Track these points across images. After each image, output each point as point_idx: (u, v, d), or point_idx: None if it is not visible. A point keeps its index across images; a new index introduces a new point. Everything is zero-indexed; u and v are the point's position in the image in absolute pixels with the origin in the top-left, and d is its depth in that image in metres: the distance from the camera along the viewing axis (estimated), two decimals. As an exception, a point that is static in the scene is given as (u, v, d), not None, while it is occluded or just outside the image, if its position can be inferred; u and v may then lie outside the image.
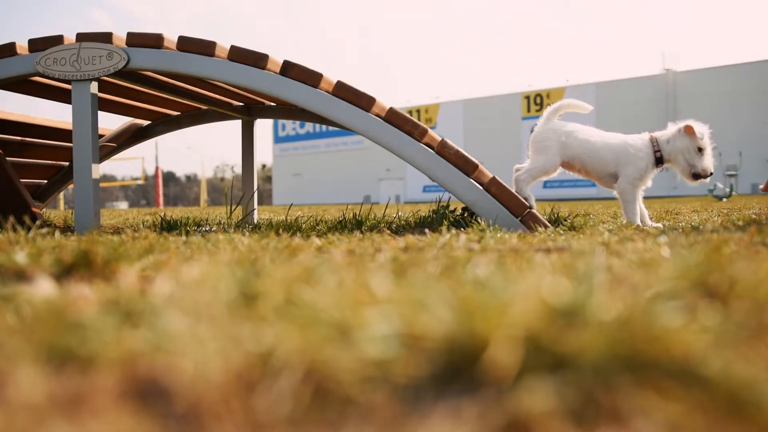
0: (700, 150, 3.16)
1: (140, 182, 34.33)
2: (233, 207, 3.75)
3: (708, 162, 3.17)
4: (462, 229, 2.77)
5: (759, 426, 0.50)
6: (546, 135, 3.29)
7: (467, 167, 2.97)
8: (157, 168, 30.16)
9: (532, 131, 3.44)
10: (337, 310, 0.70)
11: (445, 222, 3.08)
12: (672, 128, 3.27)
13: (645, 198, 3.38)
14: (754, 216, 3.44)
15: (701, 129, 3.17)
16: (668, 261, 1.16)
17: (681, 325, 0.62)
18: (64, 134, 4.19)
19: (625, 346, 0.58)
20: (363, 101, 3.01)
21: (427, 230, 2.70)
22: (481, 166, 3.05)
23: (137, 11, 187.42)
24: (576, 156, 3.27)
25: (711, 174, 3.18)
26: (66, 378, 0.59)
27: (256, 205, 4.44)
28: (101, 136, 4.52)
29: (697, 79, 37.75)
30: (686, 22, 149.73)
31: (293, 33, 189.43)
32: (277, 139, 54.75)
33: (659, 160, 3.22)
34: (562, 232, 2.54)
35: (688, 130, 3.15)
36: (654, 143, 3.24)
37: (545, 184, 38.26)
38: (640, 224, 3.12)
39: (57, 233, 2.11)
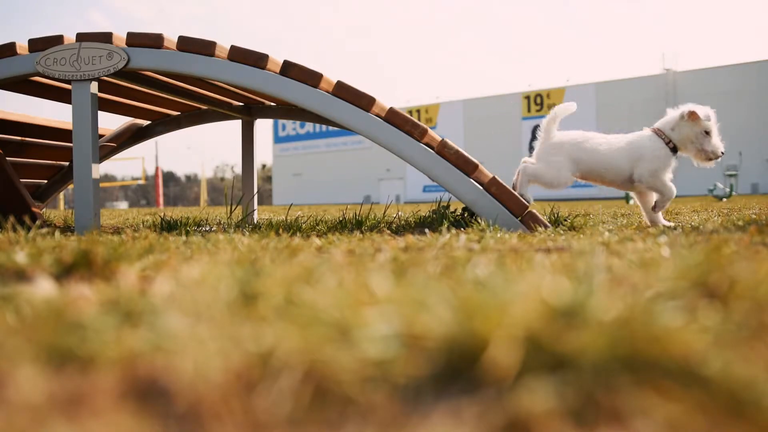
0: (707, 133, 3.10)
1: (140, 182, 34.33)
2: (233, 207, 3.75)
3: (717, 142, 3.12)
4: (462, 229, 2.77)
5: (759, 426, 0.50)
6: (554, 150, 3.22)
7: (467, 167, 2.97)
8: (157, 168, 30.17)
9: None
10: (337, 310, 0.70)
11: (445, 222, 3.08)
12: (673, 115, 3.19)
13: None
14: (754, 216, 3.44)
15: (705, 112, 3.11)
16: (668, 261, 1.17)
17: (681, 325, 0.62)
18: (64, 134, 4.19)
19: (625, 346, 0.58)
20: (363, 101, 3.01)
21: (427, 230, 2.70)
22: (481, 166, 3.05)
23: (136, 13, 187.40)
24: (591, 169, 3.22)
25: (723, 154, 3.13)
26: (66, 378, 0.59)
27: (256, 205, 4.44)
28: (101, 136, 4.52)
29: (697, 79, 37.78)
30: (686, 22, 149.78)
31: (293, 33, 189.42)
32: (277, 139, 54.75)
33: (674, 150, 3.16)
34: (562, 232, 2.54)
35: (693, 117, 3.09)
36: (661, 135, 3.18)
37: (545, 184, 38.09)
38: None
39: (57, 233, 2.11)
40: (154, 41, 3.00)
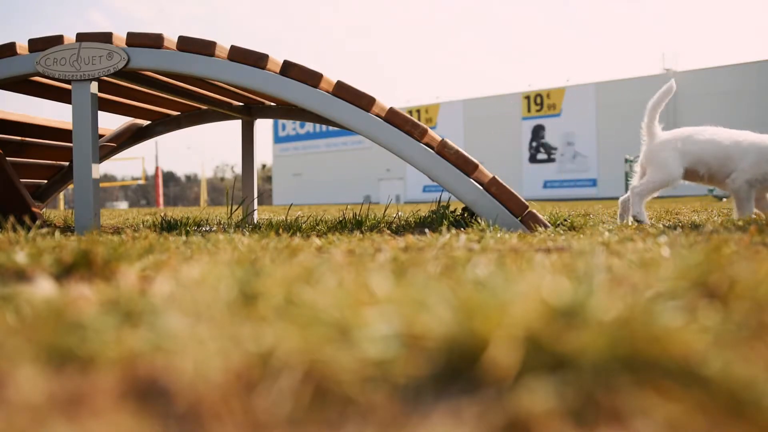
0: None
1: (140, 182, 34.33)
2: (233, 207, 3.75)
3: None
4: (462, 229, 2.77)
5: (759, 426, 0.50)
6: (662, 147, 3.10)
7: (467, 167, 2.97)
8: (157, 168, 30.18)
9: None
10: (337, 310, 0.70)
11: (445, 222, 3.08)
12: None
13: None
14: (754, 216, 3.44)
15: None
16: (668, 261, 1.16)
17: (681, 325, 0.62)
18: (64, 134, 4.19)
19: (625, 346, 0.58)
20: (363, 101, 3.01)
21: (427, 230, 2.69)
22: (481, 166, 3.05)
23: (136, 13, 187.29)
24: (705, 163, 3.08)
25: None
26: (66, 378, 0.59)
27: (256, 205, 4.44)
28: (101, 136, 4.52)
29: (697, 79, 37.72)
30: (686, 22, 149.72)
31: (293, 33, 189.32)
32: (277, 139, 54.73)
33: None
34: (562, 232, 2.54)
35: None
36: None
37: (545, 184, 38.30)
38: None
39: (57, 233, 2.10)
40: (154, 41, 3.00)
